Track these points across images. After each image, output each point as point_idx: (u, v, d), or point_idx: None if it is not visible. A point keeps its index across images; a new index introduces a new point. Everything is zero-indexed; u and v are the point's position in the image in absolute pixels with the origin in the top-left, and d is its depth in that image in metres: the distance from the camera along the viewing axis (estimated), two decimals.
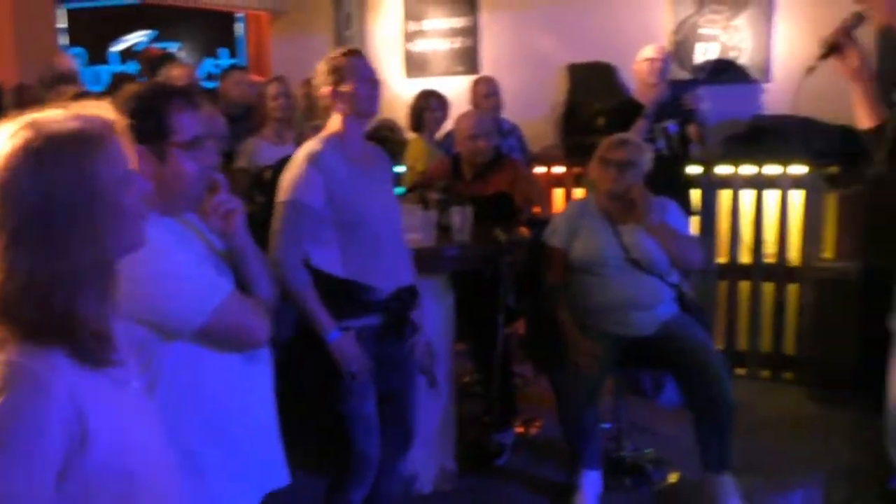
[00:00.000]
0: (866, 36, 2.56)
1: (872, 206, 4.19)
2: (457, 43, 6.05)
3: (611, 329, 3.24)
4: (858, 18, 2.57)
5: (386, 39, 6.29)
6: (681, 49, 5.22)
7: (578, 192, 5.22)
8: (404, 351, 2.70)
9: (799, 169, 4.60)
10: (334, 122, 2.58)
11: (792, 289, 4.70)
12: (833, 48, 2.62)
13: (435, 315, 3.21)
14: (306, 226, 2.46)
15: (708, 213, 4.81)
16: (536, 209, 3.88)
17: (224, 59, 8.03)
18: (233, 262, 1.79)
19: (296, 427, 2.06)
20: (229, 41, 8.00)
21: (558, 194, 5.37)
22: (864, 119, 2.70)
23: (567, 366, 3.19)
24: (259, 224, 2.42)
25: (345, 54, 2.55)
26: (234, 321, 1.68)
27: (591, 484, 3.25)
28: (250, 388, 1.79)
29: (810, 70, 2.65)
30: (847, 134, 3.89)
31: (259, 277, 1.81)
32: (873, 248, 4.05)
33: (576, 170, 5.18)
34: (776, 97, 4.91)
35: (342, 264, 2.50)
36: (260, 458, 1.81)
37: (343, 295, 2.50)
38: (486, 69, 5.78)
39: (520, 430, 3.97)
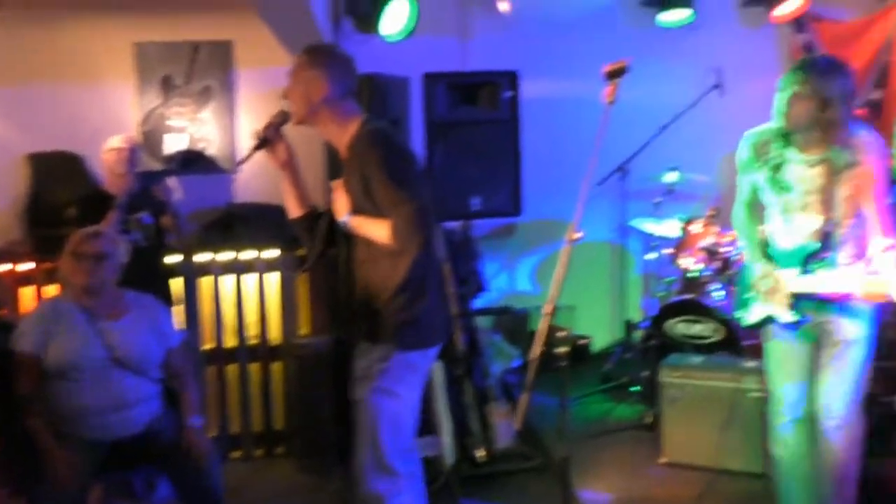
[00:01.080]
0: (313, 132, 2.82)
1: (323, 286, 4.61)
2: None
3: (91, 434, 3.08)
4: (283, 116, 2.78)
5: None
6: (150, 139, 5.24)
7: (51, 290, 4.87)
8: None
9: (272, 253, 4.90)
10: None
11: (276, 367, 4.93)
12: (263, 141, 2.80)
13: None
14: None
15: (190, 301, 4.84)
16: (2, 312, 3.55)
17: None
18: None
19: None
20: None
21: (27, 293, 4.94)
22: (292, 209, 2.90)
23: (45, 481, 2.94)
24: None
25: None
26: None
27: None
28: None
29: (242, 161, 2.83)
30: None
31: None
32: (334, 323, 4.47)
33: (46, 265, 4.83)
34: (244, 186, 5.20)
35: None
36: None
37: None
38: None
39: None
